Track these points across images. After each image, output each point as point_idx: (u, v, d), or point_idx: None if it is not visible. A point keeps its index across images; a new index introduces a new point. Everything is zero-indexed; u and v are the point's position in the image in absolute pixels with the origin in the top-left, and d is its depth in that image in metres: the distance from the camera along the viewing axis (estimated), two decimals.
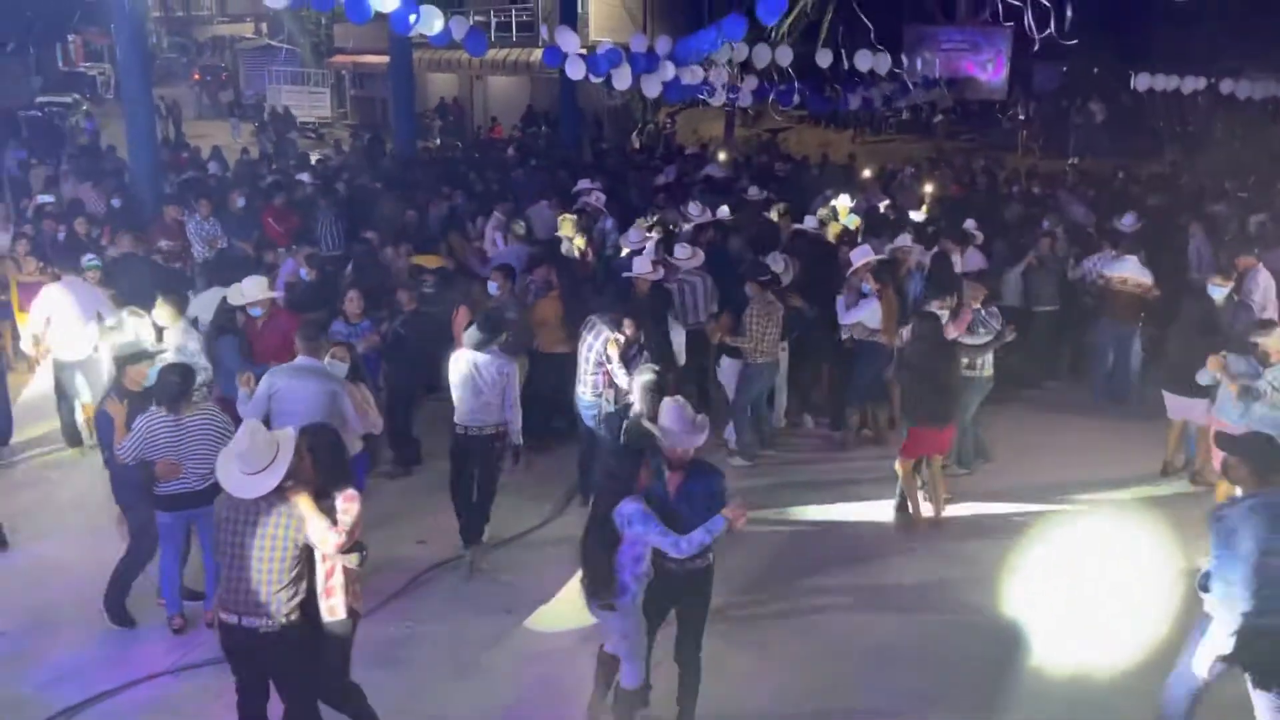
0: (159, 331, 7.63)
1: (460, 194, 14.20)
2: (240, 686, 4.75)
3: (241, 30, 44.41)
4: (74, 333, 8.28)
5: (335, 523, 4.52)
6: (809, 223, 11.32)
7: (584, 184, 13.49)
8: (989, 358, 8.21)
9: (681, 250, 9.48)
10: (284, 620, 4.52)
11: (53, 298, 8.41)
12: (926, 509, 7.68)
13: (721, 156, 21.99)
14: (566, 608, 6.29)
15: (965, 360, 8.01)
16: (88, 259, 9.15)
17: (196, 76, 39.19)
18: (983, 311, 8.18)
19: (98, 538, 6.50)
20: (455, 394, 6.86)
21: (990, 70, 25.71)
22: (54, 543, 7.22)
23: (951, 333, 7.84)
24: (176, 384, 5.77)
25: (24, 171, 18.02)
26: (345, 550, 4.56)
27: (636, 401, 6.28)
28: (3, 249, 10.76)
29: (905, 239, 10.02)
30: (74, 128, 27.45)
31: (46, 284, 8.72)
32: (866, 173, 18.49)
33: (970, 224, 11.15)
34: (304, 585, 4.60)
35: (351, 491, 4.66)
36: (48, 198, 13.58)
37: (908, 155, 23.63)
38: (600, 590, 4.88)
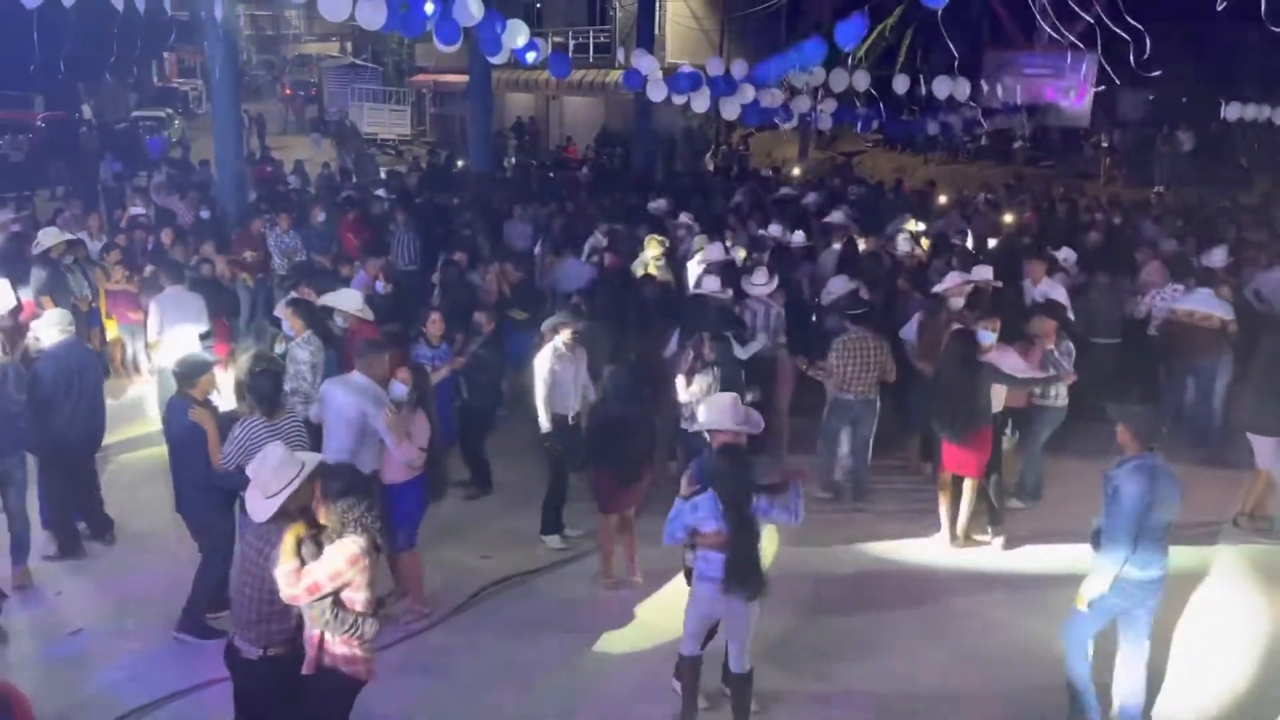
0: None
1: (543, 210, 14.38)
2: (235, 708, 4.70)
3: (327, 49, 45.64)
4: (179, 340, 8.52)
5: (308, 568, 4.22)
6: (902, 245, 11.16)
7: (659, 204, 13.55)
8: (1062, 387, 8.00)
9: (760, 274, 9.44)
10: (262, 652, 4.40)
11: (165, 305, 8.71)
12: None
13: (795, 172, 21.98)
14: (630, 632, 6.30)
15: (1038, 389, 7.87)
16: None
17: (288, 91, 40.38)
18: (1055, 351, 7.91)
19: (178, 540, 6.59)
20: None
21: (1073, 97, 25.17)
22: (136, 544, 7.42)
23: (1020, 369, 7.65)
24: (271, 387, 5.87)
25: (118, 183, 18.70)
26: (331, 602, 4.24)
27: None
28: (95, 257, 11.15)
29: (985, 271, 9.68)
30: (165, 141, 28.41)
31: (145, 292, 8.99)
32: (942, 198, 18.25)
33: (1064, 253, 10.88)
34: (296, 623, 4.41)
35: (351, 546, 4.22)
36: (139, 209, 14.07)
37: (985, 181, 23.26)
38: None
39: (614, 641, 6.32)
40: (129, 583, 6.87)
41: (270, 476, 4.35)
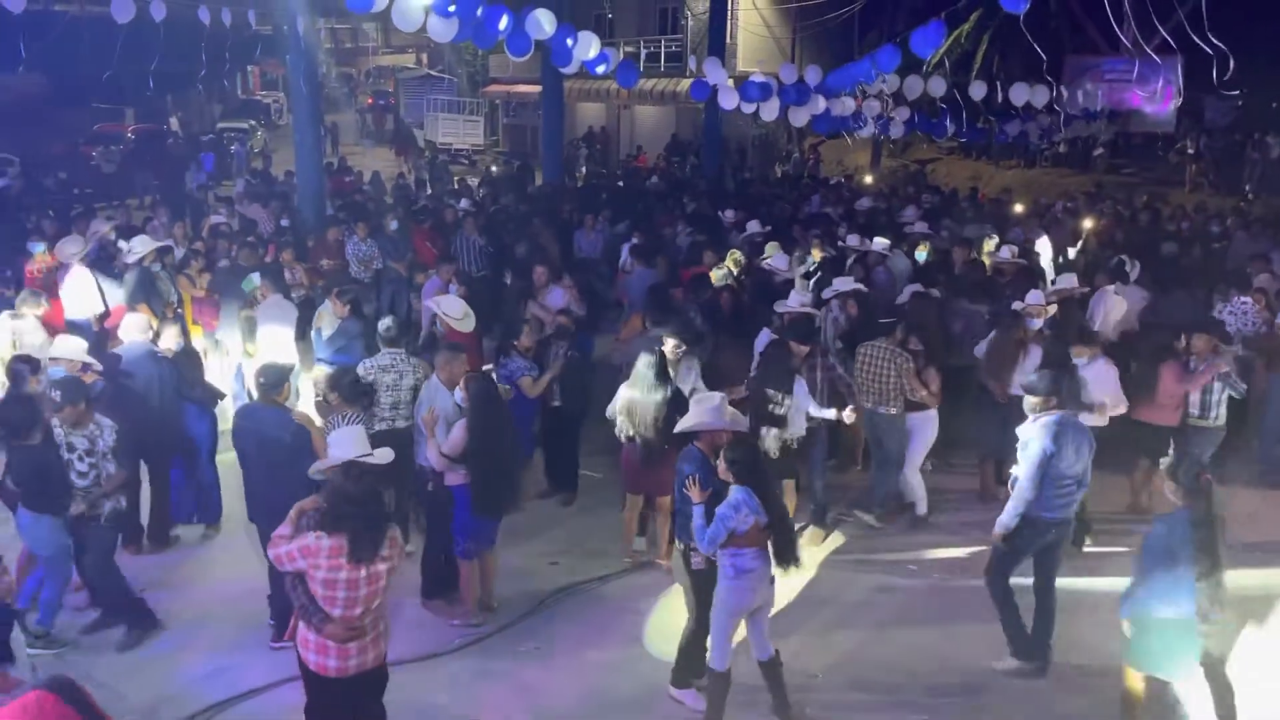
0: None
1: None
2: None
3: (403, 60, 46.56)
4: (278, 345, 8.75)
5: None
6: (1004, 253, 10.95)
7: (729, 214, 13.52)
8: (1223, 408, 7.88)
9: (843, 283, 9.34)
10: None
11: (264, 314, 8.96)
12: None
13: (867, 180, 21.70)
14: None
15: (1196, 410, 7.84)
16: (253, 277, 9.70)
17: (369, 101, 41.33)
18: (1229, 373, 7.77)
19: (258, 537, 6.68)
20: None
21: (1157, 102, 24.48)
22: (221, 541, 7.62)
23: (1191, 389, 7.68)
24: (357, 384, 6.12)
25: (203, 193, 19.30)
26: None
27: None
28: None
29: (1070, 279, 9.38)
30: (248, 152, 29.26)
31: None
32: (1019, 207, 17.89)
33: (1126, 262, 10.60)
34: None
35: (320, 538, 4.30)
36: (221, 217, 14.49)
37: (1064, 189, 22.75)
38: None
39: None
40: (214, 583, 7.06)
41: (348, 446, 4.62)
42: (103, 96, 31.65)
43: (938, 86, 15.03)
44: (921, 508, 8.11)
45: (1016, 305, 8.48)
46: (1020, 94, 15.69)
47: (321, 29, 24.46)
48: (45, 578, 6.18)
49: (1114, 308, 9.74)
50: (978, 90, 15.93)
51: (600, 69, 11.17)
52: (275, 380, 6.23)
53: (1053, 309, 8.67)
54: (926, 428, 7.92)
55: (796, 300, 8.69)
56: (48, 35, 16.42)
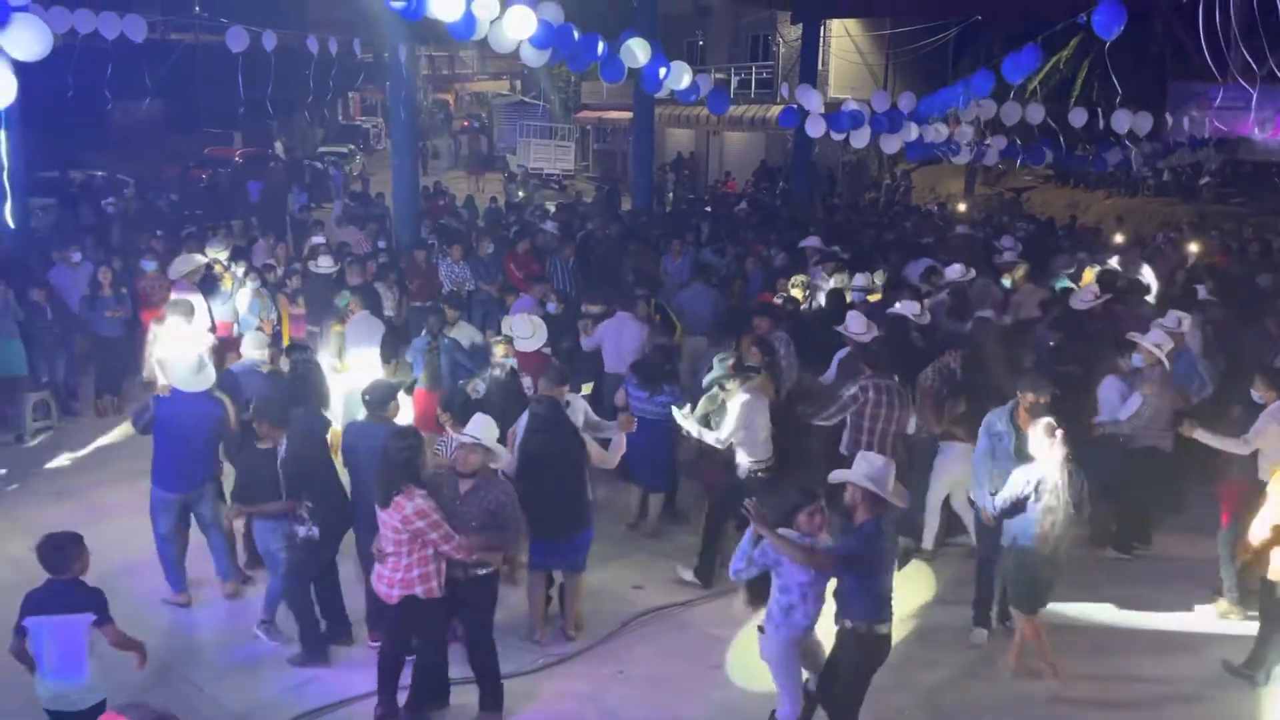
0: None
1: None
2: None
3: (498, 87, 47.57)
4: (365, 361, 8.93)
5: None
6: (1086, 294, 10.54)
7: (811, 241, 13.44)
8: None
9: (907, 307, 9.23)
10: None
11: (352, 330, 9.19)
12: None
13: (960, 208, 21.29)
14: None
15: None
16: (345, 294, 9.98)
17: (465, 123, 42.38)
18: None
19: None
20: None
21: (1269, 130, 23.56)
22: None
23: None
24: (468, 404, 6.31)
25: (305, 214, 19.96)
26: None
27: None
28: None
29: (1180, 319, 8.80)
30: (346, 176, 30.18)
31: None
32: (1119, 237, 17.40)
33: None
34: None
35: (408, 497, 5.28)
36: (320, 239, 14.96)
37: (1167, 218, 22.04)
38: None
39: (763, 679, 6.23)
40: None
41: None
42: (213, 121, 33.03)
43: (1035, 113, 14.73)
44: (926, 541, 7.83)
45: (1136, 338, 7.99)
46: (1122, 121, 15.27)
47: (421, 56, 25.15)
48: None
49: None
50: (1077, 117, 15.55)
51: (692, 95, 11.24)
52: (382, 397, 6.36)
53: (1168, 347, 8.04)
54: (950, 460, 7.58)
55: (857, 324, 8.62)
56: (165, 63, 17.25)
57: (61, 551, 4.75)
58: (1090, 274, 12.20)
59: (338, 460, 6.63)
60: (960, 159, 15.86)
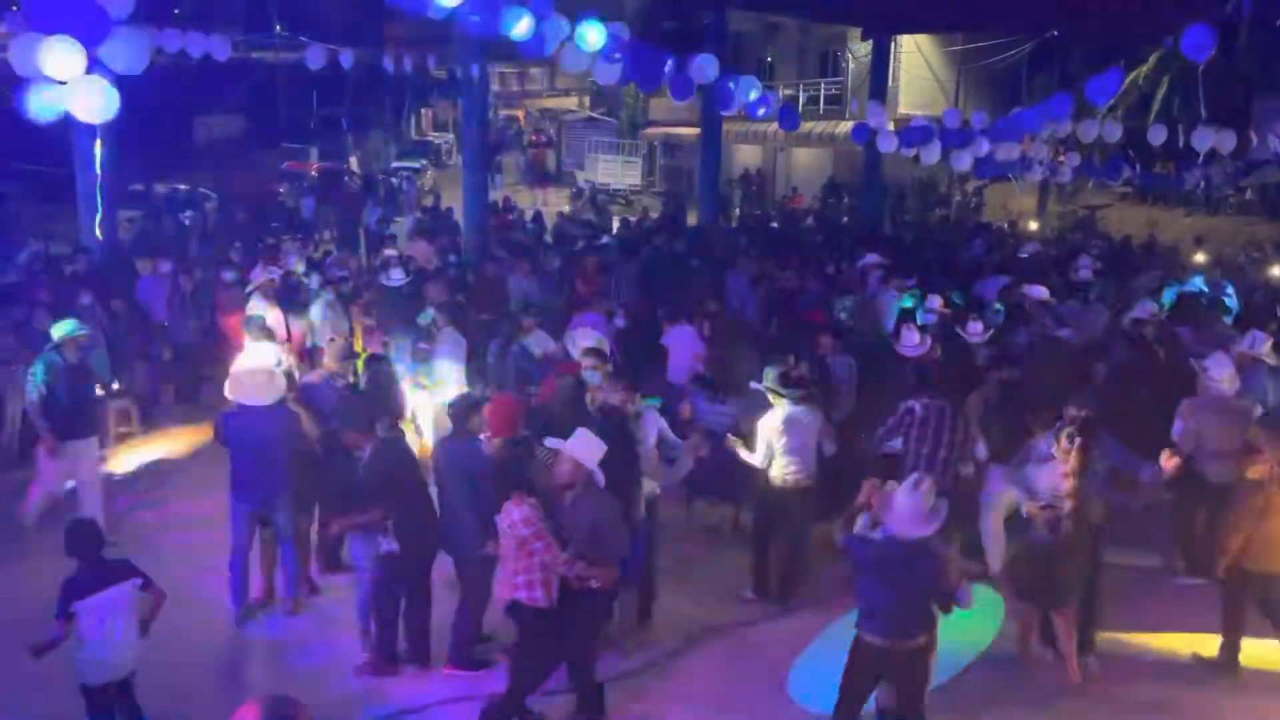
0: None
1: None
2: None
3: (567, 103, 48.04)
4: (452, 378, 9.11)
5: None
6: (1145, 309, 10.36)
7: (871, 258, 13.32)
8: None
9: (974, 326, 9.08)
10: None
11: (446, 346, 9.28)
12: None
13: (1032, 226, 20.90)
14: None
15: None
16: (428, 311, 10.13)
17: (535, 137, 42.93)
18: None
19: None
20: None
21: None
22: None
23: None
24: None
25: (380, 228, 20.36)
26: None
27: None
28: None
29: (1260, 341, 8.40)
30: (418, 190, 30.73)
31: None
32: (1200, 256, 16.93)
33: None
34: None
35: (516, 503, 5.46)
36: (392, 252, 15.24)
37: (1250, 238, 21.39)
38: None
39: (829, 702, 6.15)
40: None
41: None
42: (292, 137, 33.92)
43: (1113, 131, 14.44)
44: (992, 566, 7.52)
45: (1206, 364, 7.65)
46: (1204, 138, 14.87)
47: (492, 73, 25.56)
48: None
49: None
50: (1156, 134, 15.21)
51: (761, 111, 11.24)
52: (463, 411, 6.39)
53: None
54: (999, 481, 7.37)
55: (910, 338, 8.49)
56: (246, 81, 17.80)
57: (86, 537, 5.14)
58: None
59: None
60: (1035, 176, 15.60)
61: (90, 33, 5.74)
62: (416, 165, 35.70)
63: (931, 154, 12.44)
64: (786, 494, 7.20)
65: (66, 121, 6.35)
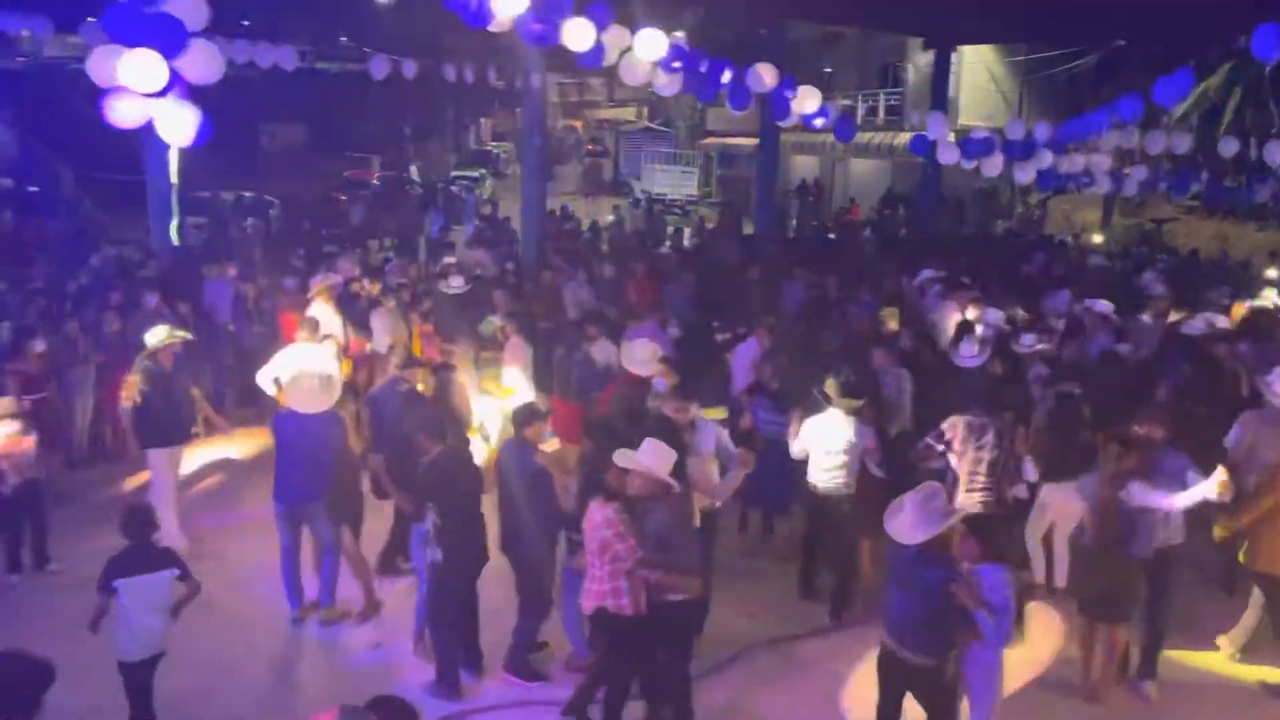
0: None
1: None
2: None
3: (624, 114, 48.30)
4: (519, 385, 9.18)
5: None
6: (1196, 326, 10.15)
7: (927, 272, 13.17)
8: None
9: (1026, 338, 8.93)
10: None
11: (513, 354, 9.38)
12: None
13: (1096, 239, 20.47)
14: None
15: None
16: (492, 319, 10.24)
17: (590, 147, 43.23)
18: None
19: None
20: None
21: None
22: None
23: None
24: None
25: (441, 236, 20.65)
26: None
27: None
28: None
29: None
30: (477, 199, 31.08)
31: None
32: (1272, 271, 16.45)
33: None
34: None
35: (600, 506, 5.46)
36: (452, 259, 15.44)
37: None
38: None
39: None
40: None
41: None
42: (354, 146, 34.52)
43: (1182, 142, 14.11)
44: (1037, 576, 7.47)
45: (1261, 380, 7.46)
46: (1277, 151, 14.49)
47: (552, 84, 25.77)
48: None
49: None
50: (1227, 146, 14.84)
51: (819, 121, 11.19)
52: (523, 419, 6.43)
53: None
54: (1053, 499, 7.27)
55: (968, 349, 8.35)
56: (310, 90, 18.18)
57: (141, 521, 5.50)
58: (1240, 309, 11.58)
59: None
60: (1098, 189, 15.31)
61: (168, 45, 5.90)
62: (476, 174, 36.12)
63: (993, 166, 12.27)
64: (830, 501, 7.23)
65: (140, 130, 6.52)
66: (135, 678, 5.45)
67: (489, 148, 45.43)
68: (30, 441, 7.61)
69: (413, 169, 36.18)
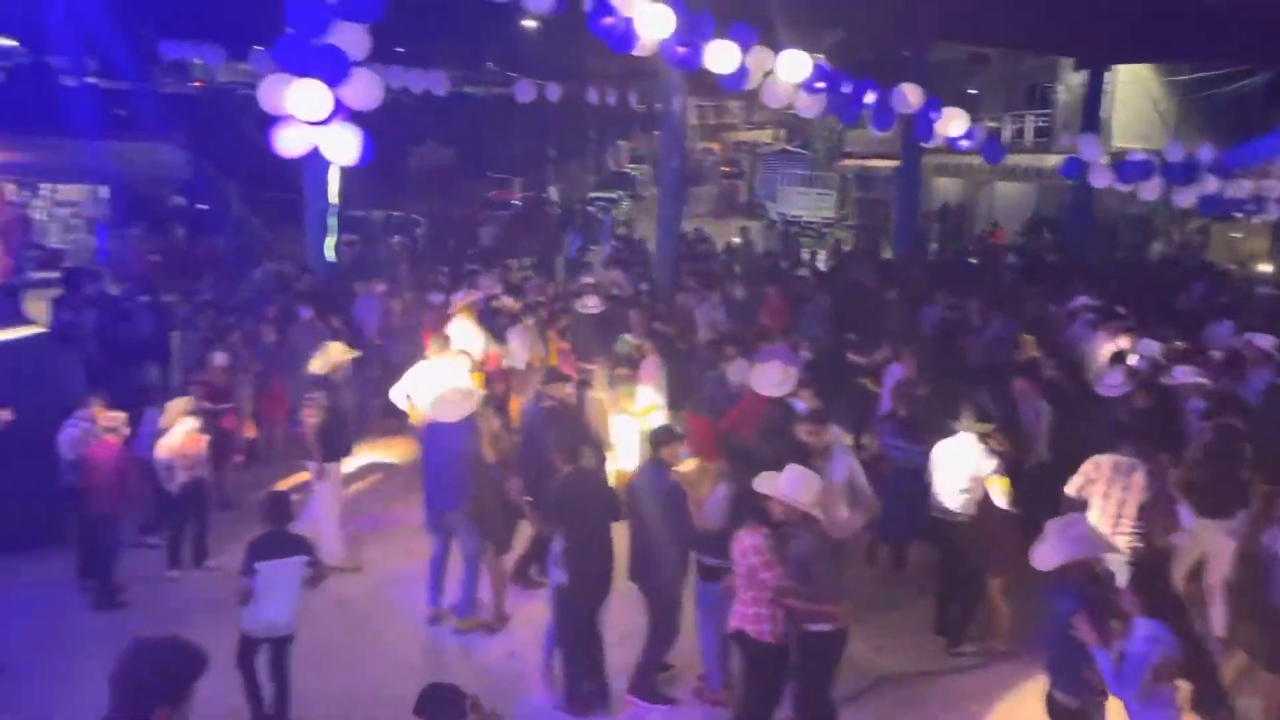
0: None
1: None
2: None
3: (761, 136, 48.22)
4: (654, 403, 9.19)
5: None
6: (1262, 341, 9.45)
7: (1081, 299, 12.64)
8: None
9: (1181, 372, 8.46)
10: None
11: (652, 371, 9.46)
12: None
13: (1264, 269, 19.27)
14: None
15: None
16: (626, 337, 10.35)
17: (725, 169, 43.39)
18: None
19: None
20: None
21: None
22: None
23: None
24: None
25: (582, 254, 21.03)
26: None
27: None
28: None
29: None
30: (614, 221, 31.53)
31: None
32: None
33: None
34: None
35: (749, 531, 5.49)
36: (589, 279, 15.69)
37: None
38: None
39: None
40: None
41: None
42: (497, 167, 35.54)
43: None
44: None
45: None
46: None
47: (690, 106, 25.99)
48: None
49: None
50: None
51: (965, 144, 10.95)
52: (660, 439, 6.51)
53: None
54: (1204, 535, 6.77)
55: (1113, 379, 7.95)
56: (457, 113, 18.87)
57: (280, 508, 5.99)
58: None
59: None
60: (1267, 216, 14.41)
61: (332, 74, 6.24)
62: (613, 196, 36.66)
63: (1151, 190, 11.73)
64: (955, 528, 7.05)
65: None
66: (247, 650, 5.83)
67: (627, 170, 46.06)
68: (204, 441, 8.10)
69: (551, 190, 36.99)
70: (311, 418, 8.13)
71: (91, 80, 21.75)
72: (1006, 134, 29.81)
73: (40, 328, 10.05)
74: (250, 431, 10.38)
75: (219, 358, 9.60)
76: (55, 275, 14.91)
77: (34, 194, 20.06)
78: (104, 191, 20.40)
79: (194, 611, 7.22)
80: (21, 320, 9.98)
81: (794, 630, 5.45)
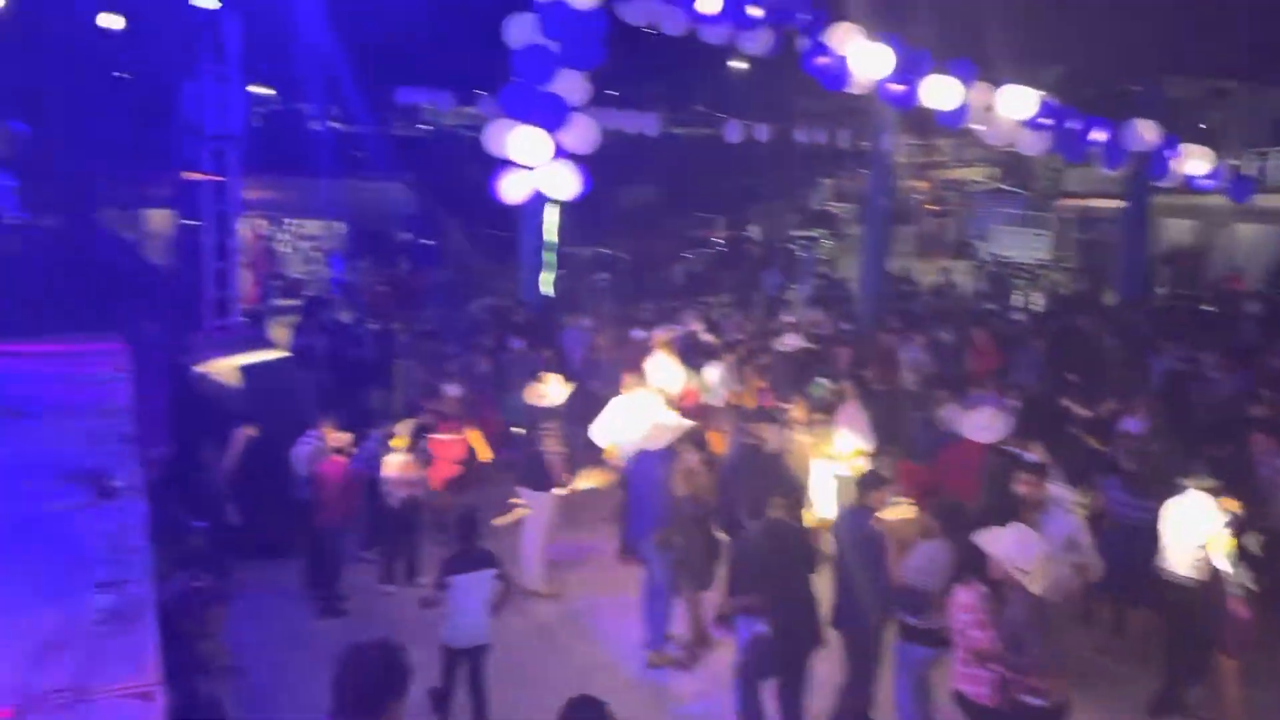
0: None
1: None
2: None
3: (971, 174, 46.62)
4: (852, 447, 9.02)
5: None
6: None
7: None
8: None
9: None
10: None
11: (849, 418, 9.24)
12: None
13: None
14: None
15: None
16: (821, 381, 10.21)
17: (932, 207, 42.28)
18: None
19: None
20: None
21: None
22: None
23: None
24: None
25: (778, 293, 20.97)
26: None
27: None
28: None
29: None
30: (814, 259, 31.22)
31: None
32: None
33: None
34: None
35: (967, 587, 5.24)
36: (790, 318, 15.58)
37: None
38: None
39: None
40: None
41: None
42: (702, 206, 35.99)
43: None
44: None
45: None
46: None
47: (899, 144, 25.46)
48: None
49: None
50: None
51: (1206, 184, 10.18)
52: (868, 485, 6.44)
53: None
54: None
55: None
56: (665, 153, 19.26)
57: (471, 526, 6.39)
58: None
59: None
60: None
61: (552, 120, 6.55)
62: (815, 234, 36.33)
63: None
64: (1183, 593, 6.54)
65: None
66: (450, 661, 6.17)
67: (830, 208, 45.54)
68: (420, 471, 8.54)
69: (753, 228, 37.02)
70: (553, 446, 8.46)
71: (333, 124, 23.65)
72: (1249, 172, 27.57)
73: (283, 351, 10.90)
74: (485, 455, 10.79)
75: (452, 388, 9.96)
76: (296, 303, 16.22)
77: (279, 228, 21.98)
78: (339, 226, 22.08)
79: (403, 624, 7.56)
80: (267, 344, 10.88)
81: (1008, 698, 5.14)
